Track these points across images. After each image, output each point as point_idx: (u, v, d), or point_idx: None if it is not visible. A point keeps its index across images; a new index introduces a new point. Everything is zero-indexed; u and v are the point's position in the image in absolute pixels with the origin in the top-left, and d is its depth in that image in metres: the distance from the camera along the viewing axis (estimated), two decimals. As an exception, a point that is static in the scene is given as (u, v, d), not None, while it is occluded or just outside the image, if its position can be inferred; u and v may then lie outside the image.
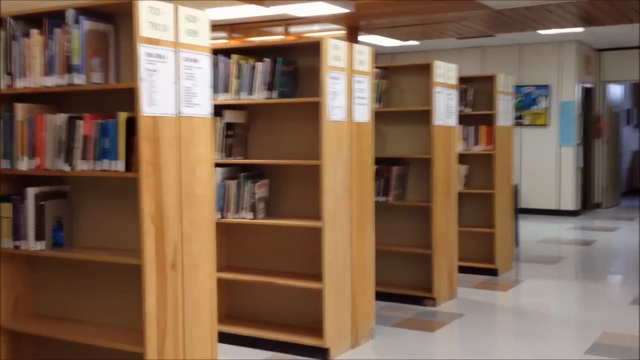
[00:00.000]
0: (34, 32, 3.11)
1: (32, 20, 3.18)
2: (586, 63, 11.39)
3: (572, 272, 7.08)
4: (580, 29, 9.12)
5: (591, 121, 11.82)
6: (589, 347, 4.35)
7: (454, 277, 5.65)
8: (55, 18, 3.05)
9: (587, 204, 11.74)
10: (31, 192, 3.14)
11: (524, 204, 10.87)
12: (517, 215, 7.83)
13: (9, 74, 3.18)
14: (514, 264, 7.02)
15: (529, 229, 9.46)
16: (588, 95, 11.67)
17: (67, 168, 3.03)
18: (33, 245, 3.15)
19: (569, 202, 11.01)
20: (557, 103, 11.03)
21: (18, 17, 3.19)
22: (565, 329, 4.89)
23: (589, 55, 11.47)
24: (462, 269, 6.23)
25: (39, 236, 3.14)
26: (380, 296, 5.14)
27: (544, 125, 11.10)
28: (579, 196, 11.25)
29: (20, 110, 3.16)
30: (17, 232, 3.19)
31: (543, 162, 11.10)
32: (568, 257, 7.72)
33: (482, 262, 6.51)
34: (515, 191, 7.44)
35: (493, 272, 6.46)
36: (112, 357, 3.17)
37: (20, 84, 3.15)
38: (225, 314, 4.55)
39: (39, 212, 3.14)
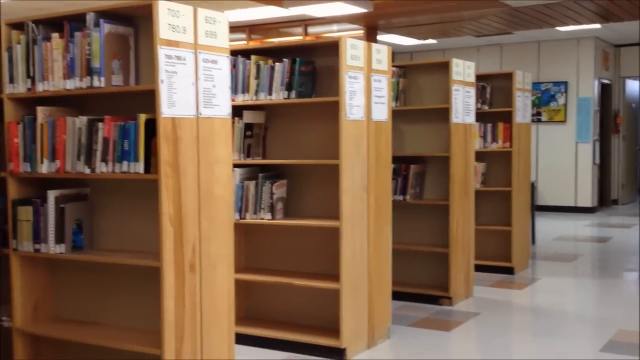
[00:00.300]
0: (55, 35, 3.12)
1: (53, 24, 3.19)
2: (604, 59, 11.28)
3: (589, 270, 7.03)
4: (598, 25, 9.04)
5: (609, 117, 11.71)
6: (604, 344, 4.33)
7: (470, 275, 5.63)
8: (76, 21, 3.07)
9: (604, 201, 11.65)
10: (52, 195, 3.16)
11: (540, 201, 10.81)
12: (534, 213, 7.78)
13: (30, 77, 3.20)
14: (531, 262, 6.98)
15: (546, 226, 9.41)
16: (606, 91, 11.57)
17: (87, 170, 3.04)
18: (53, 248, 3.17)
19: (586, 198, 10.93)
20: (574, 99, 10.94)
21: (39, 21, 3.20)
22: (581, 327, 4.86)
23: (606, 51, 11.36)
24: (479, 268, 6.21)
25: (59, 239, 3.16)
26: (396, 296, 5.13)
27: (561, 121, 11.01)
28: (596, 193, 11.17)
29: (41, 113, 3.18)
30: (38, 235, 3.21)
31: (560, 158, 11.02)
32: (585, 254, 7.67)
33: (498, 261, 6.48)
34: (532, 188, 7.39)
35: (509, 271, 6.43)
36: (130, 359, 3.18)
37: (41, 88, 3.17)
38: (243, 315, 4.56)
39: (60, 215, 3.15)
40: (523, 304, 5.61)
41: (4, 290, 3.39)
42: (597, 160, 11.13)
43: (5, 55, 3.28)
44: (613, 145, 11.85)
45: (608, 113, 11.69)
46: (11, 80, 3.27)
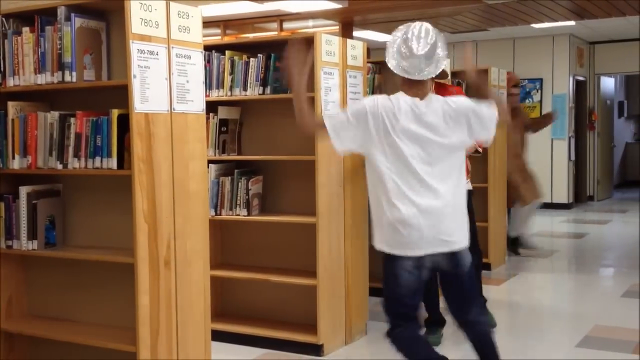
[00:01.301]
0: (26, 29, 3.08)
1: (24, 18, 3.16)
2: (579, 56, 11.40)
3: (565, 265, 7.11)
4: (572, 23, 9.13)
5: (584, 114, 11.84)
6: (581, 340, 4.37)
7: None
8: (47, 15, 3.03)
9: (579, 197, 11.78)
10: (24, 191, 3.12)
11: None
12: (510, 210, 7.84)
13: (1, 72, 3.16)
14: (507, 258, 7.04)
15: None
16: (581, 88, 11.69)
17: (59, 166, 3.01)
18: (26, 244, 3.14)
19: (562, 195, 11.04)
20: (550, 96, 11.05)
21: (9, 15, 3.16)
22: (557, 323, 4.91)
23: (581, 48, 11.48)
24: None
25: (32, 235, 3.13)
26: (374, 292, 5.14)
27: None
28: (572, 189, 11.28)
29: (12, 108, 3.14)
30: (10, 232, 3.17)
31: (536, 155, 11.05)
32: (561, 250, 7.74)
33: (475, 256, 6.51)
34: (508, 185, 7.44)
35: (486, 267, 6.46)
36: (106, 356, 3.15)
37: (12, 82, 3.14)
38: (219, 312, 4.54)
39: (32, 211, 3.12)
40: (500, 299, 5.64)
41: (-24, 289, 3.35)
42: (573, 157, 11.24)
43: (-25, 49, 3.23)
44: (588, 142, 11.98)
45: (583, 110, 11.82)
46: (-19, 75, 3.22)
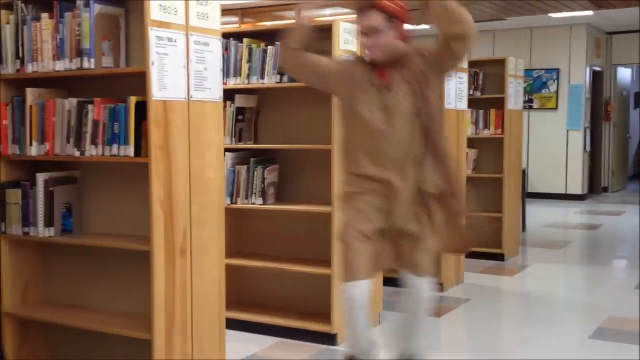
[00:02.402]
0: (44, 16, 3.07)
1: (42, 4, 3.14)
2: (596, 46, 11.28)
3: (578, 257, 7.07)
4: (590, 12, 9.03)
5: (600, 105, 11.74)
6: (594, 331, 4.35)
7: (461, 262, 5.64)
8: (66, 1, 3.01)
9: (594, 188, 11.70)
10: (41, 177, 3.12)
11: (531, 188, 10.83)
12: (525, 200, 7.81)
13: (19, 58, 3.15)
14: (521, 248, 7.01)
15: (536, 213, 9.43)
16: (597, 78, 11.58)
17: (76, 153, 3.01)
18: (42, 231, 3.14)
19: (576, 186, 10.97)
20: (566, 86, 10.95)
21: (28, 1, 3.15)
22: (570, 314, 4.89)
23: (598, 38, 11.36)
24: (469, 254, 6.20)
25: (49, 222, 3.13)
26: (387, 282, 5.14)
27: (553, 108, 11.03)
28: (586, 180, 11.21)
29: (30, 94, 3.13)
30: (27, 218, 3.18)
31: (551, 146, 11.04)
32: (574, 241, 7.71)
33: (489, 247, 6.49)
34: (523, 175, 7.41)
35: (500, 257, 6.45)
36: (121, 343, 3.17)
37: (30, 69, 3.12)
38: (234, 300, 4.54)
39: (49, 198, 3.12)
40: (513, 290, 5.63)
41: (-7, 274, 3.37)
42: (588, 148, 11.16)
43: (-7, 35, 3.23)
44: (604, 133, 11.88)
45: (599, 100, 11.71)
46: (0, 61, 3.21)
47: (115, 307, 3.28)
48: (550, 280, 5.93)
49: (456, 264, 5.55)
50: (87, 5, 2.92)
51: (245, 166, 4.19)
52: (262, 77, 4.12)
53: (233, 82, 4.20)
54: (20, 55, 3.14)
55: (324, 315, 4.11)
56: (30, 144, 3.13)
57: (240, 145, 4.27)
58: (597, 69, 11.46)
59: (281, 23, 8.84)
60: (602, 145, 11.85)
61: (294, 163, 4.35)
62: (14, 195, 3.20)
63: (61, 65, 3.02)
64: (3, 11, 3.21)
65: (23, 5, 3.13)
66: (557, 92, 10.99)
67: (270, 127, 4.40)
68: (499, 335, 4.43)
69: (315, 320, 4.15)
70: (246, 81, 4.17)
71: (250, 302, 4.55)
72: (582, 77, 10.87)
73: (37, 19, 3.09)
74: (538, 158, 11.09)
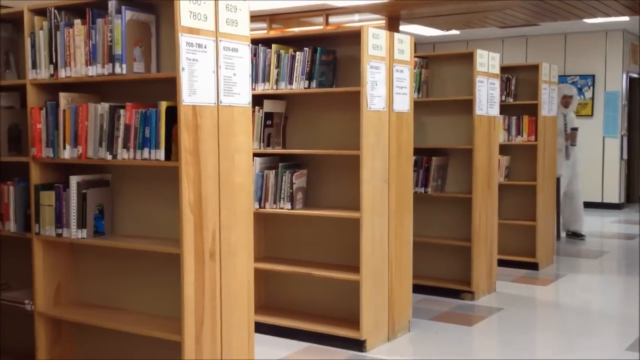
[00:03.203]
0: (77, 22, 3.13)
1: (75, 10, 3.21)
2: (632, 52, 11.08)
3: (615, 267, 6.92)
4: (626, 18, 8.87)
5: (637, 112, 11.51)
6: (630, 344, 4.25)
7: (493, 270, 5.57)
8: (98, 8, 3.08)
9: (631, 197, 11.46)
10: (74, 180, 3.18)
11: (565, 196, 10.65)
12: (559, 208, 7.68)
13: (53, 63, 3.22)
14: (555, 258, 6.89)
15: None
16: (634, 85, 11.36)
17: (109, 157, 3.06)
18: (75, 233, 3.20)
19: (613, 194, 10.75)
20: (602, 93, 10.77)
21: (61, 8, 3.22)
22: (606, 325, 4.78)
23: (635, 44, 11.15)
24: (502, 263, 6.13)
25: (81, 224, 3.19)
26: (417, 289, 5.10)
27: (588, 115, 10.85)
28: (623, 189, 10.98)
29: (64, 99, 3.20)
30: (60, 220, 3.24)
31: (587, 153, 10.83)
32: (611, 251, 7.55)
33: (522, 256, 6.41)
34: (558, 183, 7.29)
35: (534, 266, 6.36)
36: (151, 345, 3.20)
37: (64, 74, 3.19)
38: (262, 304, 4.57)
39: (81, 200, 3.18)
40: (547, 300, 5.53)
41: (27, 274, 3.43)
42: (625, 156, 10.94)
43: (28, 41, 3.30)
44: (641, 141, 11.64)
45: (636, 108, 11.48)
46: (34, 66, 3.29)
47: (146, 309, 3.32)
48: (586, 291, 5.82)
49: (488, 272, 5.48)
50: (119, 11, 2.98)
51: (274, 171, 4.21)
52: (291, 83, 4.15)
53: (262, 88, 4.23)
54: (54, 60, 3.21)
55: (353, 321, 4.09)
56: (64, 148, 3.19)
57: (269, 150, 4.29)
58: (634, 75, 11.24)
59: (309, 29, 8.91)
60: (639, 153, 11.61)
61: (322, 168, 4.36)
62: (47, 197, 3.26)
63: (94, 71, 3.08)
64: (37, 17, 3.29)
65: (56, 11, 3.20)
66: (592, 98, 10.81)
67: (299, 132, 4.42)
68: (532, 346, 4.35)
69: (344, 326, 4.14)
70: (275, 86, 4.20)
71: (279, 306, 4.56)
72: (618, 83, 10.68)
73: (70, 25, 3.16)
74: (573, 166, 10.90)
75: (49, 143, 3.24)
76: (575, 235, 8.02)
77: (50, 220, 3.26)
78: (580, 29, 10.38)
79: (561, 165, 7.65)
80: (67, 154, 3.19)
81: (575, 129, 7.72)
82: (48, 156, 3.26)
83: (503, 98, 6.29)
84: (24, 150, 3.48)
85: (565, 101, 7.67)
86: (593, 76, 10.81)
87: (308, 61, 4.09)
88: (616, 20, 9.08)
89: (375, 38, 3.99)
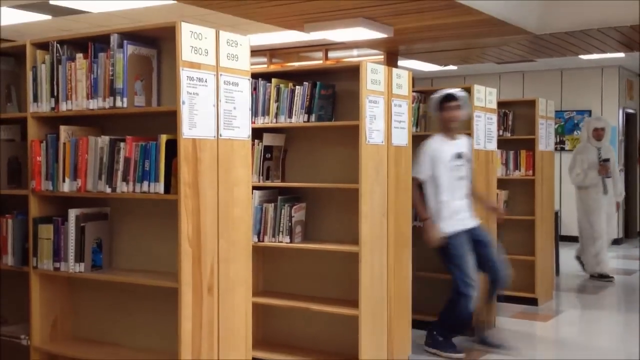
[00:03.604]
0: (79, 56, 3.16)
1: (77, 44, 3.24)
2: (628, 88, 11.18)
3: (615, 303, 6.88)
4: (622, 54, 8.97)
5: (634, 147, 11.56)
6: (633, 381, 4.21)
7: (493, 306, 5.52)
8: (100, 42, 3.11)
9: (629, 232, 11.45)
10: (73, 213, 3.18)
11: (564, 231, 10.63)
12: (558, 243, 7.66)
13: (54, 96, 3.24)
14: (555, 293, 6.84)
15: (570, 257, 9.23)
16: (631, 121, 11.44)
17: (108, 190, 3.06)
18: (73, 267, 3.18)
19: (611, 230, 10.72)
20: (598, 129, 10.81)
21: (63, 42, 3.26)
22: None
23: (631, 80, 11.26)
24: (501, 298, 6.09)
25: (79, 258, 3.17)
26: (417, 324, 5.05)
27: (585, 151, 10.88)
28: (622, 224, 10.97)
29: (64, 132, 3.21)
30: (58, 254, 3.22)
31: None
32: (610, 287, 7.50)
33: (521, 291, 6.36)
34: (556, 218, 7.28)
35: (533, 302, 6.30)
36: (147, 380, 3.16)
37: (65, 107, 3.21)
38: (260, 339, 4.51)
39: (80, 233, 3.17)
40: (547, 336, 5.48)
41: (23, 308, 3.40)
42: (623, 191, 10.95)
43: (30, 74, 3.33)
44: (638, 176, 11.67)
45: (633, 143, 11.54)
46: (35, 99, 3.31)
47: (143, 344, 3.28)
48: (586, 327, 5.77)
49: (488, 308, 5.43)
50: (121, 46, 3.01)
51: (273, 204, 4.20)
52: (290, 117, 4.17)
53: (261, 121, 4.26)
54: (55, 93, 3.23)
55: (352, 356, 4.04)
56: (63, 181, 3.19)
57: (268, 184, 4.30)
58: (631, 111, 11.33)
59: (308, 64, 8.99)
60: (636, 188, 11.63)
61: (321, 202, 4.35)
62: (45, 231, 3.25)
63: (95, 104, 3.10)
64: (39, 51, 3.32)
65: (58, 45, 3.24)
66: (589, 134, 10.87)
67: (298, 165, 4.43)
68: (532, 381, 4.30)
69: (342, 362, 4.09)
70: (274, 120, 4.22)
71: (276, 341, 4.51)
72: (615, 119, 10.75)
73: (72, 59, 3.19)
74: (572, 200, 10.90)
75: (49, 176, 3.25)
76: (603, 277, 7.60)
77: (48, 254, 3.25)
78: (576, 64, 10.48)
79: (598, 201, 7.41)
80: (66, 187, 3.19)
81: (607, 160, 7.42)
82: (47, 189, 3.26)
83: (500, 133, 6.32)
84: (24, 183, 3.47)
85: (597, 134, 7.47)
86: (589, 111, 10.88)
87: (307, 95, 4.12)
88: (612, 56, 9.18)
89: (373, 73, 4.03)
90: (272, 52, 8.91)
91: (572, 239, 10.71)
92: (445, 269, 4.78)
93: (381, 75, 4.11)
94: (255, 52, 8.55)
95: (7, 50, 3.60)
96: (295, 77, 4.33)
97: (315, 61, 8.99)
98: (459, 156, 4.73)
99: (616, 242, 10.63)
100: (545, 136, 6.47)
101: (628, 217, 11.40)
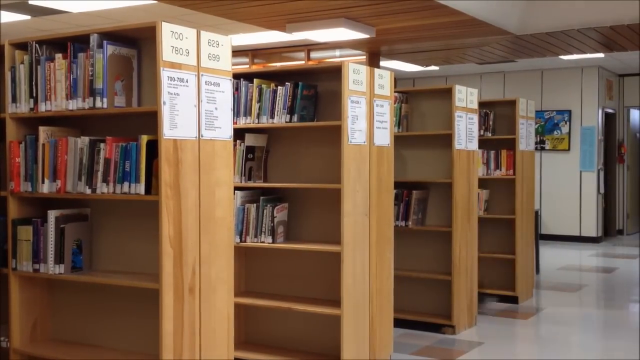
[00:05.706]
0: (58, 56, 3.14)
1: (57, 44, 3.22)
2: (608, 88, 11.31)
3: (594, 300, 6.96)
4: (601, 55, 9.07)
5: (613, 146, 11.70)
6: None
7: (473, 304, 5.57)
8: (80, 42, 3.09)
9: (609, 231, 11.58)
10: (52, 215, 3.15)
11: (544, 229, 10.75)
12: (538, 242, 7.73)
13: (33, 97, 3.21)
14: (535, 291, 6.91)
15: (550, 255, 9.33)
16: (610, 120, 11.57)
17: (88, 191, 3.04)
18: (52, 268, 3.15)
19: (591, 228, 10.86)
20: (578, 128, 10.95)
21: (42, 42, 3.23)
22: (586, 358, 4.78)
23: (610, 80, 11.39)
24: (482, 296, 6.14)
25: (59, 259, 3.15)
26: (398, 323, 5.08)
27: (565, 150, 11.01)
28: (601, 222, 11.10)
29: (43, 133, 3.19)
30: (37, 255, 3.19)
31: (564, 187, 10.98)
32: (589, 284, 7.59)
33: (502, 289, 6.42)
34: (536, 217, 7.35)
35: (513, 300, 6.36)
36: (128, 381, 3.14)
37: (44, 108, 3.19)
38: (242, 340, 4.51)
39: (60, 235, 3.14)
40: (528, 334, 5.53)
41: (2, 310, 3.37)
42: (602, 190, 11.09)
43: (8, 75, 3.30)
44: (618, 175, 11.81)
45: (612, 142, 11.68)
46: (14, 100, 3.29)
47: (124, 345, 3.27)
48: (566, 325, 5.83)
49: (469, 306, 5.48)
50: (100, 46, 2.99)
51: (255, 205, 4.20)
52: (272, 117, 4.17)
53: (243, 122, 4.25)
54: (34, 94, 3.21)
55: (334, 356, 4.05)
56: (42, 182, 3.16)
57: (250, 184, 4.29)
58: (610, 110, 11.46)
59: (290, 64, 8.99)
60: (616, 187, 11.77)
61: (304, 202, 4.36)
62: (25, 232, 3.22)
63: (74, 105, 3.08)
64: (18, 51, 3.29)
65: (37, 45, 3.21)
66: (569, 133, 10.99)
67: (280, 166, 4.43)
68: (512, 378, 4.34)
69: (324, 362, 4.10)
70: (256, 120, 4.22)
71: (259, 342, 4.50)
72: (594, 118, 10.87)
73: (51, 59, 3.16)
74: (551, 200, 11.03)
75: (28, 177, 3.22)
76: None
77: (27, 256, 3.22)
78: (557, 65, 10.59)
79: None
80: (45, 188, 3.16)
81: None
82: (26, 190, 3.23)
83: (482, 132, 6.36)
84: (2, 184, 3.44)
85: None
86: (569, 111, 11.00)
87: (289, 96, 4.12)
88: (591, 57, 9.28)
89: (355, 73, 4.04)
90: (254, 53, 8.89)
91: (552, 238, 10.85)
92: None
93: (363, 76, 4.12)
94: (237, 52, 8.55)
95: (-15, 50, 3.56)
96: (278, 77, 4.33)
97: (297, 61, 8.99)
98: None
99: (595, 240, 10.78)
100: (525, 136, 6.52)
101: (607, 215, 11.53)
